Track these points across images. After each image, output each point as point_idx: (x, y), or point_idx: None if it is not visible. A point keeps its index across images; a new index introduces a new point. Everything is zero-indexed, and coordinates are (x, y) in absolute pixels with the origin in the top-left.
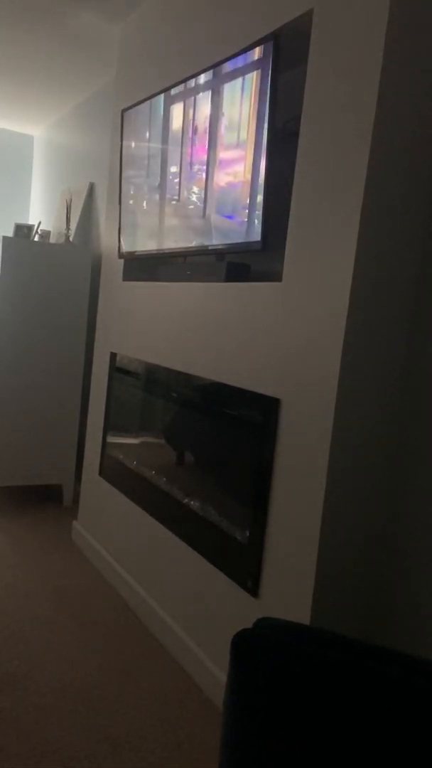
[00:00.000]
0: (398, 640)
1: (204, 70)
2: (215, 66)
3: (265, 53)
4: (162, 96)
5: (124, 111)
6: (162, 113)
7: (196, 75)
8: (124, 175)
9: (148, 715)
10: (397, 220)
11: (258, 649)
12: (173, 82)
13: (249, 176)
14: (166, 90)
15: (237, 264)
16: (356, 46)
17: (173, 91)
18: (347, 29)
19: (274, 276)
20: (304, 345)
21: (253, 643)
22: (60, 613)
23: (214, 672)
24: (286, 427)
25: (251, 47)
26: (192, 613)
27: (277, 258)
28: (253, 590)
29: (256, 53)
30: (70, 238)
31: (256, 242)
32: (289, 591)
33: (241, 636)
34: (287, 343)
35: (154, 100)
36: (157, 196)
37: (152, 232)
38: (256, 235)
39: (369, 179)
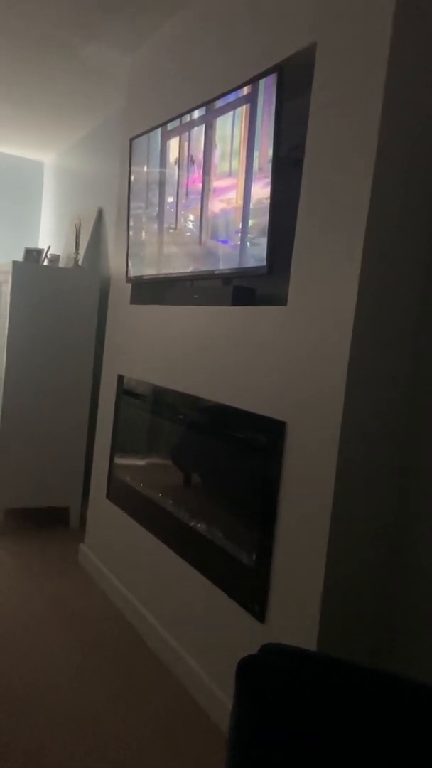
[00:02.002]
0: (407, 665)
1: (201, 105)
2: (211, 101)
3: (254, 89)
4: (160, 130)
5: (132, 139)
6: (159, 146)
7: (196, 108)
8: (131, 201)
9: (153, 740)
10: (401, 244)
11: (263, 675)
12: (175, 114)
13: (241, 202)
14: (168, 122)
15: (243, 288)
16: (359, 76)
17: (170, 126)
18: (350, 61)
19: (280, 300)
20: (310, 368)
21: (258, 669)
22: (66, 635)
23: (219, 697)
24: (291, 450)
25: (254, 80)
26: (198, 637)
27: (281, 282)
28: (260, 614)
29: (245, 90)
30: (79, 263)
31: (262, 267)
32: (296, 615)
33: (246, 662)
34: (293, 367)
35: (152, 132)
36: (156, 225)
37: (156, 257)
38: (257, 259)
39: (372, 205)
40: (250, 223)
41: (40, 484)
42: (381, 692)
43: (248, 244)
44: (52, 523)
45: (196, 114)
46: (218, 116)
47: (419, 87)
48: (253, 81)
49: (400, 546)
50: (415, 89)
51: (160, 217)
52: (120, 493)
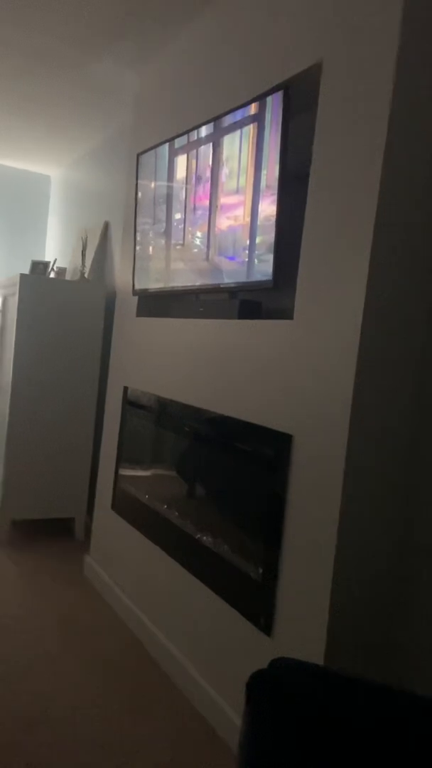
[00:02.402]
0: (414, 681)
1: (208, 121)
2: (218, 118)
3: (262, 107)
4: (167, 148)
5: (139, 155)
6: (167, 163)
7: (203, 124)
8: (138, 216)
9: (160, 754)
10: (407, 258)
11: (273, 691)
12: (182, 130)
13: (248, 219)
14: (176, 138)
15: (249, 302)
16: (365, 94)
17: (177, 143)
18: (356, 78)
19: (285, 313)
20: (316, 381)
21: (267, 684)
22: (71, 649)
23: (227, 711)
24: (298, 463)
25: (261, 97)
26: (204, 651)
27: (287, 296)
28: (267, 628)
29: (253, 108)
30: (86, 275)
31: (268, 281)
32: (303, 629)
33: (256, 677)
34: (299, 380)
35: (159, 149)
36: (163, 241)
37: (163, 272)
38: (263, 274)
39: (378, 220)
40: (258, 239)
41: (45, 496)
42: (390, 709)
43: (256, 260)
44: (57, 534)
45: (203, 132)
46: (225, 134)
47: (425, 103)
48: (260, 98)
49: (408, 560)
50: (421, 105)
51: (168, 233)
52: (125, 505)
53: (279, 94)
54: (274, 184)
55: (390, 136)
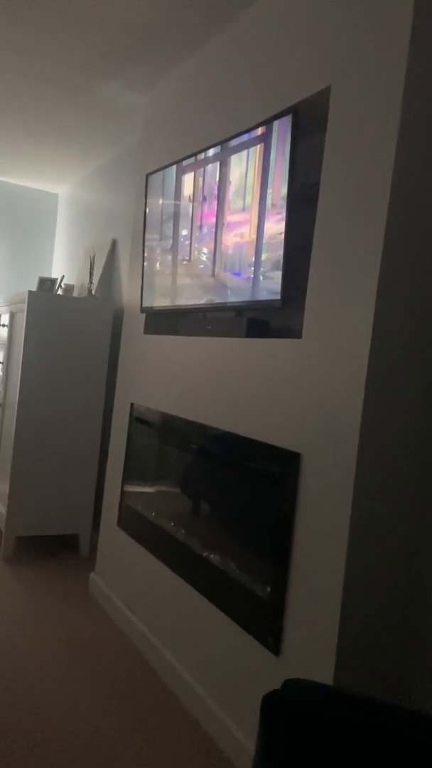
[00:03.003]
0: (425, 701)
1: (215, 144)
2: (226, 141)
3: (268, 129)
4: (175, 166)
5: (148, 175)
6: (174, 181)
7: (210, 147)
8: (146, 233)
9: None
10: (417, 277)
11: (287, 712)
12: (190, 152)
13: (254, 237)
14: (183, 159)
15: (257, 320)
16: (373, 117)
17: (185, 162)
18: (364, 103)
19: (293, 332)
20: (325, 400)
21: (281, 705)
22: (76, 667)
23: (233, 731)
24: (307, 482)
25: (268, 122)
26: (211, 670)
27: (294, 314)
28: (275, 648)
29: (259, 130)
30: (93, 292)
31: (276, 300)
32: (312, 649)
33: (270, 699)
34: (308, 398)
35: (167, 169)
36: (170, 257)
37: (170, 288)
38: (269, 291)
39: (387, 240)
40: (263, 257)
41: (50, 512)
42: (404, 730)
43: (261, 277)
44: (62, 551)
45: (210, 152)
46: (232, 154)
47: None
48: (267, 123)
49: (419, 578)
50: (429, 128)
51: (174, 249)
52: (131, 522)
53: (287, 118)
54: (280, 203)
55: (398, 157)
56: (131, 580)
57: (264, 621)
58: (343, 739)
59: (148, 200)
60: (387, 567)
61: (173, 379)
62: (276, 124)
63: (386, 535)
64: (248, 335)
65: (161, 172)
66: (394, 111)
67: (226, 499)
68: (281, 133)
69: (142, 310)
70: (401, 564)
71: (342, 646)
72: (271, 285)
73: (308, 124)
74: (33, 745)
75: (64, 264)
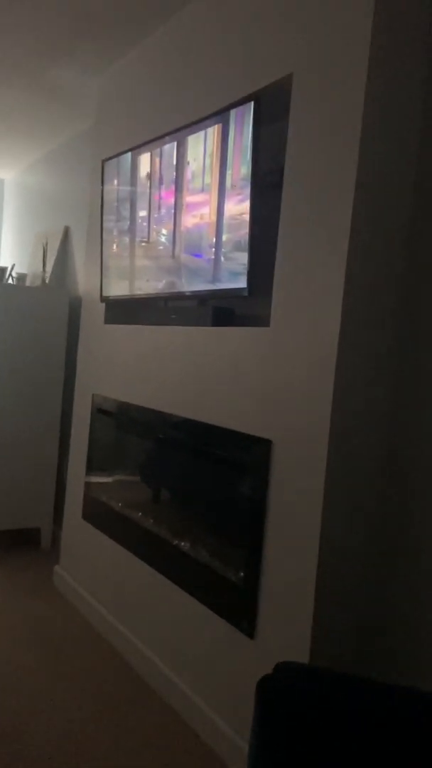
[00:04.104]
0: (402, 680)
1: (172, 132)
2: (184, 128)
3: (226, 115)
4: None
5: (104, 161)
6: (130, 162)
7: (167, 134)
8: (104, 220)
9: (142, 759)
10: (384, 262)
11: (283, 695)
12: (146, 138)
13: (215, 218)
14: (138, 147)
15: (222, 308)
16: (336, 102)
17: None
18: (326, 90)
19: (260, 320)
20: (295, 387)
21: (277, 689)
22: (48, 661)
23: (209, 715)
24: (278, 468)
25: (227, 109)
26: (184, 655)
27: (261, 303)
28: (249, 630)
29: (215, 119)
30: (47, 281)
31: (243, 288)
32: (287, 631)
33: (264, 682)
34: (277, 385)
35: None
36: (127, 238)
37: (128, 270)
38: (231, 273)
39: (354, 225)
40: (224, 237)
41: (9, 506)
42: (400, 706)
43: (222, 258)
44: (22, 545)
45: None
46: (189, 135)
47: (397, 106)
48: (227, 110)
49: (391, 558)
50: (393, 108)
51: (132, 230)
52: (97, 513)
53: (248, 105)
54: (240, 183)
55: (363, 142)
56: (99, 572)
57: (237, 605)
58: (340, 719)
59: (105, 187)
60: (359, 548)
61: (137, 370)
62: (234, 112)
63: (358, 516)
64: (214, 324)
65: (117, 158)
66: (358, 95)
67: (195, 488)
68: (241, 119)
69: (102, 299)
70: (373, 544)
71: (317, 627)
72: (233, 266)
73: (270, 110)
74: (13, 741)
75: (11, 252)
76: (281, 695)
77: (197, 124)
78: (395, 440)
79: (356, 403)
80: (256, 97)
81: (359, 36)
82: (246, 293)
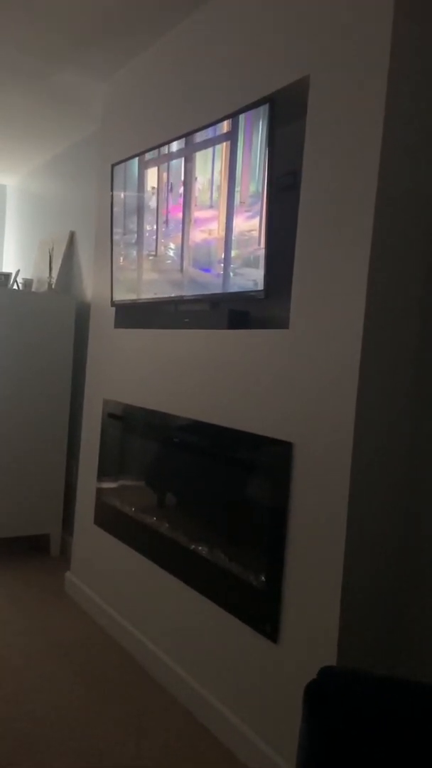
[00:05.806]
0: (430, 679)
1: (180, 137)
2: (189, 134)
3: (234, 124)
4: (137, 159)
5: (114, 165)
6: (137, 175)
7: (175, 139)
8: (114, 226)
9: None
10: (406, 262)
11: (332, 700)
12: (154, 144)
13: (223, 233)
14: (147, 151)
15: (238, 311)
16: (356, 104)
17: (148, 156)
18: (344, 91)
19: (278, 322)
20: (317, 389)
21: (325, 694)
22: (64, 670)
23: (231, 720)
24: (300, 471)
25: (240, 111)
26: (204, 661)
27: (279, 305)
28: (272, 635)
29: (225, 126)
30: (53, 286)
31: (259, 291)
32: (312, 634)
33: (312, 688)
34: (299, 388)
35: (130, 162)
36: (134, 252)
37: (140, 288)
38: (239, 287)
39: (376, 227)
40: (234, 253)
41: (18, 513)
42: None
43: (231, 273)
44: (31, 551)
45: (174, 146)
46: (197, 150)
47: (418, 108)
48: (239, 113)
49: (417, 561)
50: (414, 110)
51: (140, 243)
52: (109, 519)
53: (264, 107)
54: (248, 200)
55: (385, 143)
56: (112, 578)
57: (260, 610)
58: (390, 721)
59: (114, 192)
60: (388, 550)
61: (151, 374)
62: (242, 117)
63: (385, 520)
64: (230, 327)
65: (124, 164)
66: (379, 97)
67: (213, 492)
68: (251, 124)
69: (113, 303)
70: (402, 546)
71: (344, 631)
72: (242, 281)
73: (286, 113)
74: (34, 751)
75: (15, 258)
76: (332, 699)
77: (205, 141)
78: (420, 440)
79: (380, 404)
80: (271, 100)
81: (379, 33)
82: (262, 295)
